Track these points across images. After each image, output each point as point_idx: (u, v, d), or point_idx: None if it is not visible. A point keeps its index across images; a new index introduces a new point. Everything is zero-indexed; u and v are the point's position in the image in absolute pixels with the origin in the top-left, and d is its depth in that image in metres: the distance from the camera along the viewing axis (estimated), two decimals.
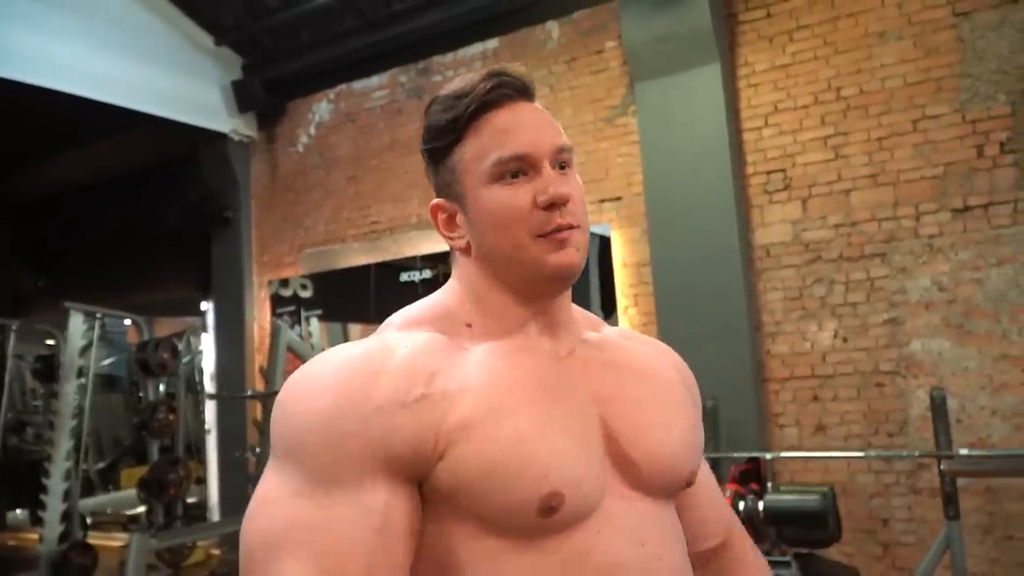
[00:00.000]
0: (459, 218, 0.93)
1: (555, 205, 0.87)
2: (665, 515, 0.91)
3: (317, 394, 0.80)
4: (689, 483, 0.95)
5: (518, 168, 0.88)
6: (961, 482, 3.63)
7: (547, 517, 0.79)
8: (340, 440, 0.77)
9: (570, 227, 0.88)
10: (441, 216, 0.95)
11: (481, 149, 0.88)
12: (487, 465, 0.79)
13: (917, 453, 3.87)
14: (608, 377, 0.94)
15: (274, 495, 0.78)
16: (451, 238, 0.94)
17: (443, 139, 0.91)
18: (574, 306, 0.98)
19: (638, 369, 0.98)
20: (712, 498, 1.10)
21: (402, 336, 0.86)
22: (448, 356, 0.85)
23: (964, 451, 3.56)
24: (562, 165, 0.90)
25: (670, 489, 0.93)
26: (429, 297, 0.96)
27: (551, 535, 0.80)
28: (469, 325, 0.90)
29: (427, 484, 0.80)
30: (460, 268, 0.95)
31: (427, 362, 0.83)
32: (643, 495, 0.89)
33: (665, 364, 1.03)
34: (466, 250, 0.93)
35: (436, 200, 0.95)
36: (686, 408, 0.99)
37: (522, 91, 0.91)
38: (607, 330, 1.04)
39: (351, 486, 0.77)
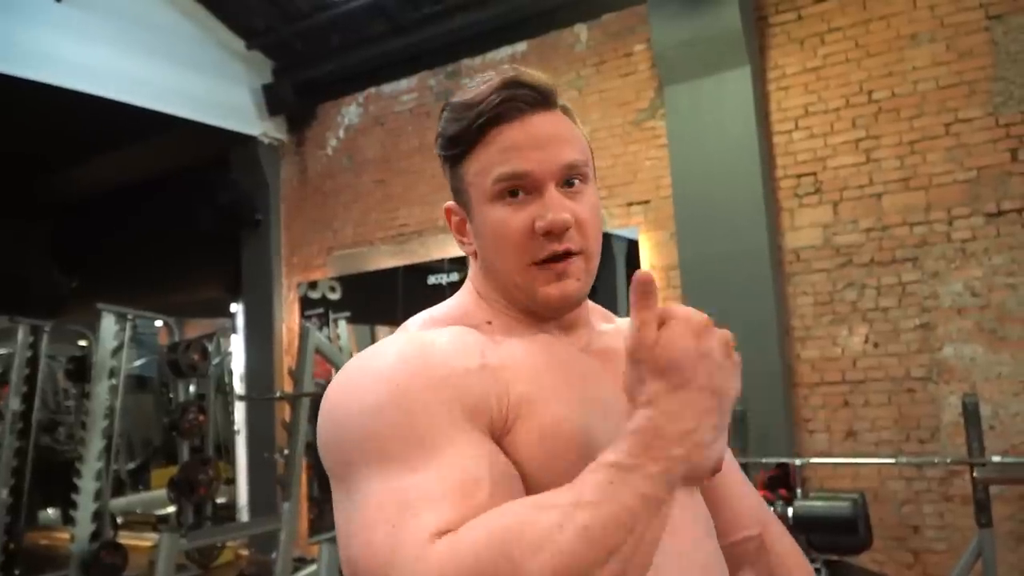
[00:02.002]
0: (468, 226, 0.93)
1: (552, 232, 0.84)
2: (691, 503, 0.91)
3: (373, 384, 0.77)
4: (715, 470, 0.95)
5: (519, 188, 0.85)
6: (994, 490, 3.57)
7: None
8: (416, 407, 0.75)
9: (568, 254, 0.85)
10: (454, 219, 0.95)
11: (487, 164, 0.86)
12: (547, 441, 0.80)
13: (949, 460, 3.82)
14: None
15: (372, 507, 0.72)
16: (462, 242, 0.95)
17: (452, 149, 0.90)
18: (587, 300, 0.97)
19: None
20: (740, 491, 1.06)
21: (431, 331, 0.86)
22: (484, 340, 0.86)
23: (997, 458, 3.52)
24: (573, 181, 0.87)
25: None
26: (446, 301, 0.96)
27: None
28: (489, 322, 0.90)
29: None
30: (473, 271, 0.96)
31: (471, 341, 0.84)
32: None
33: None
34: (476, 255, 0.93)
35: (449, 203, 0.95)
36: None
37: (537, 102, 0.87)
38: (620, 320, 1.04)
39: (443, 440, 0.74)
